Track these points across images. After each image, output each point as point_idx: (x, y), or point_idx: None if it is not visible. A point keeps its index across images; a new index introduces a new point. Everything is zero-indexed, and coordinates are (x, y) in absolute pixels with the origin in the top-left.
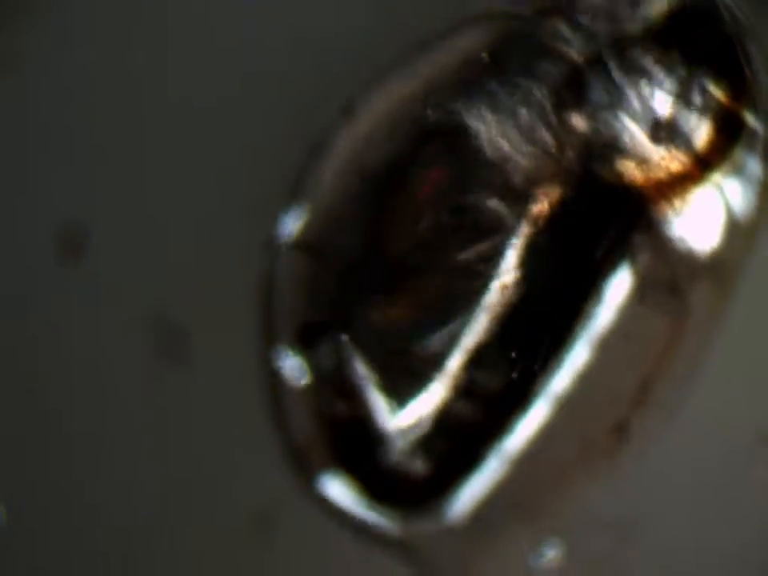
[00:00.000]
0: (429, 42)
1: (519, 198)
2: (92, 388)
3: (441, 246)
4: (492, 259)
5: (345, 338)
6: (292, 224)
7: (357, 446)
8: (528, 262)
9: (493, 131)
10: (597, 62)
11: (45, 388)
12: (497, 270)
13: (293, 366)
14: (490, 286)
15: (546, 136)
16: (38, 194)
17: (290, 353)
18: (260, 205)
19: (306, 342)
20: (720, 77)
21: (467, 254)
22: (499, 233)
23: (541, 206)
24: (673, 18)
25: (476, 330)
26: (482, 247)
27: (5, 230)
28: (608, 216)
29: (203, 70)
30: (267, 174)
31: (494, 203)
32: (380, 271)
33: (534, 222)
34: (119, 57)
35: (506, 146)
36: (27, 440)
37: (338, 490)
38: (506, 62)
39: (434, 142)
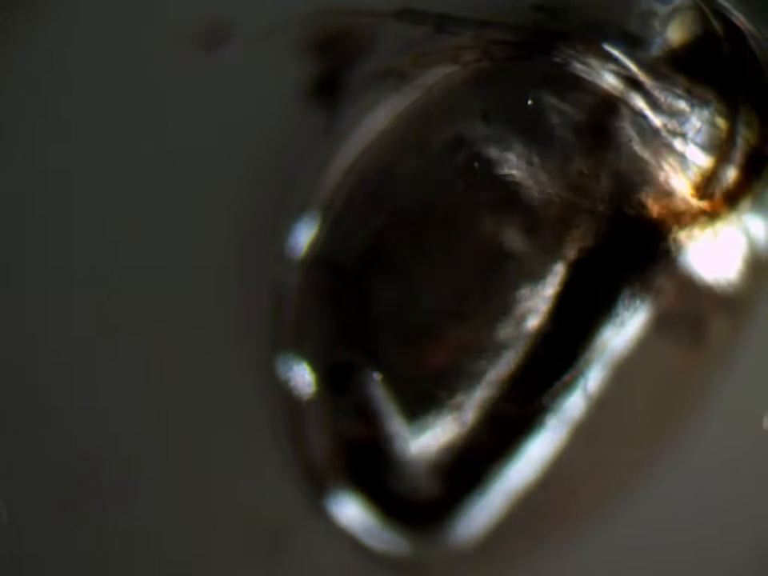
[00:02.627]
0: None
1: (552, 237)
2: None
3: (478, 290)
4: (527, 302)
5: (377, 376)
6: (305, 237)
7: (371, 468)
8: (557, 298)
9: (523, 163)
10: (626, 95)
11: None
12: (530, 312)
13: (307, 382)
14: (522, 328)
15: (577, 171)
16: None
17: (305, 369)
18: (278, 216)
19: (335, 384)
20: (750, 112)
21: (504, 299)
22: (533, 275)
23: (574, 245)
24: (702, 50)
25: (502, 363)
26: (520, 293)
27: None
28: (631, 249)
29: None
30: (284, 185)
31: (526, 242)
32: (402, 298)
33: (567, 261)
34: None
35: (537, 179)
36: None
37: (350, 510)
38: (536, 93)
39: (462, 166)
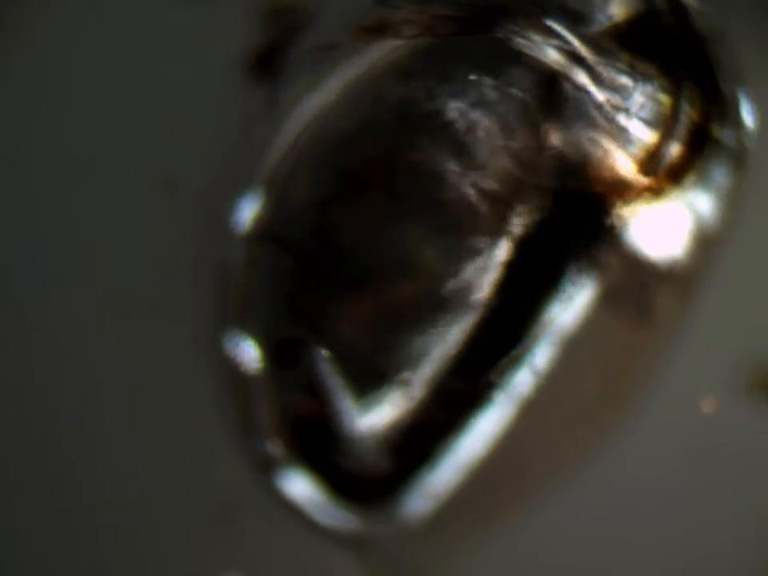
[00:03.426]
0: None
1: (497, 212)
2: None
3: (417, 251)
4: (473, 278)
5: (324, 352)
6: (250, 212)
7: (320, 444)
8: (503, 273)
9: (467, 137)
10: (569, 70)
11: None
12: (476, 287)
13: (254, 358)
14: (469, 303)
15: (520, 147)
16: None
17: (252, 345)
18: (222, 191)
19: (283, 360)
20: (693, 88)
21: (450, 272)
22: (478, 250)
23: (519, 220)
24: (645, 25)
25: (449, 339)
26: (465, 267)
27: None
28: (575, 225)
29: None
30: (227, 159)
31: (471, 218)
32: (349, 271)
33: (513, 236)
34: None
35: (486, 145)
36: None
37: (299, 486)
38: (479, 70)
39: (408, 129)
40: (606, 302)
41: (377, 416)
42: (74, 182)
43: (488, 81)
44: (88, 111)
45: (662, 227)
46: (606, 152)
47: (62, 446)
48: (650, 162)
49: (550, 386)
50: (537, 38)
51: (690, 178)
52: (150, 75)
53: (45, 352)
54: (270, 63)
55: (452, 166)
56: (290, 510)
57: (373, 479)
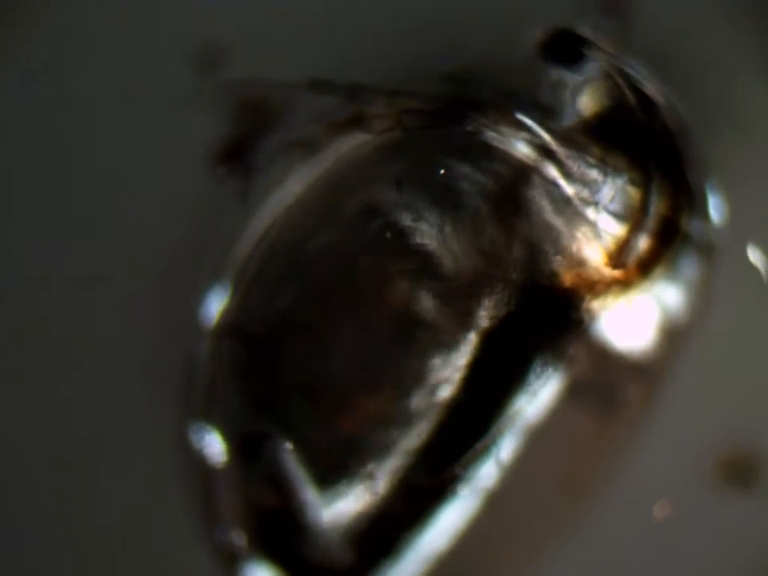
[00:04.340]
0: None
1: (465, 306)
2: None
3: (390, 359)
4: (439, 371)
5: (289, 445)
6: (217, 306)
7: (284, 536)
8: (469, 367)
9: (435, 232)
10: (539, 164)
11: None
12: (443, 381)
13: (219, 451)
14: (435, 396)
15: (489, 240)
16: None
17: (217, 438)
18: (190, 285)
19: (247, 454)
20: (662, 181)
21: (417, 367)
22: (445, 344)
23: (486, 314)
24: (614, 120)
25: (414, 432)
26: (432, 362)
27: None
28: (544, 317)
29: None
30: (196, 253)
31: (439, 311)
32: (314, 369)
33: (480, 330)
34: None
35: (449, 248)
36: None
37: None
38: (449, 162)
39: (373, 227)
40: (572, 394)
41: (341, 508)
42: (46, 275)
43: (458, 174)
44: (61, 207)
45: (630, 320)
46: (575, 245)
47: (31, 533)
48: (619, 255)
49: (515, 478)
50: (507, 131)
51: (658, 271)
52: (122, 167)
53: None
54: (240, 157)
55: (416, 264)
56: None
57: (336, 572)
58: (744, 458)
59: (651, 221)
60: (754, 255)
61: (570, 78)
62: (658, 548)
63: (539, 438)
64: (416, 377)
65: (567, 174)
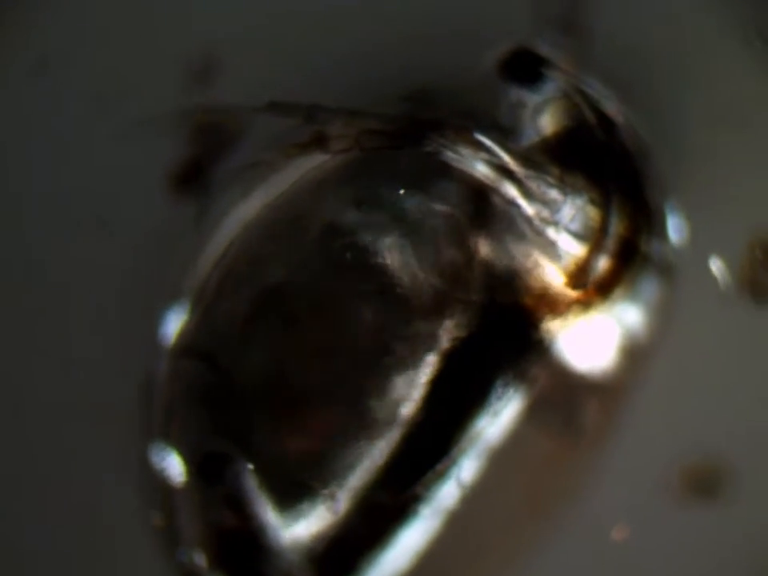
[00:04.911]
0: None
1: (425, 326)
2: None
3: (350, 379)
4: (400, 391)
5: (249, 466)
6: (176, 326)
7: (244, 557)
8: (430, 387)
9: (395, 253)
10: (498, 184)
11: None
12: (403, 401)
13: (178, 472)
14: (395, 417)
15: (449, 261)
16: None
17: (176, 459)
18: (148, 305)
19: (207, 474)
20: (622, 202)
21: (378, 387)
22: (406, 365)
23: (446, 334)
24: (574, 140)
25: (375, 452)
26: (393, 382)
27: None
28: (503, 338)
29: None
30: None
31: (400, 331)
32: (274, 389)
33: (440, 350)
34: None
35: (409, 269)
36: None
37: None
38: (408, 182)
39: (335, 255)
40: (533, 414)
41: (301, 529)
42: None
43: (416, 195)
44: (12, 224)
45: (590, 340)
46: (535, 265)
47: None
48: (579, 275)
49: (476, 499)
50: (466, 151)
51: (618, 291)
52: (76, 189)
53: None
54: (197, 178)
55: (377, 285)
56: None
57: None
58: (708, 470)
59: (611, 241)
60: (714, 274)
61: (529, 97)
62: (624, 565)
63: (500, 458)
64: (377, 397)
65: (527, 194)
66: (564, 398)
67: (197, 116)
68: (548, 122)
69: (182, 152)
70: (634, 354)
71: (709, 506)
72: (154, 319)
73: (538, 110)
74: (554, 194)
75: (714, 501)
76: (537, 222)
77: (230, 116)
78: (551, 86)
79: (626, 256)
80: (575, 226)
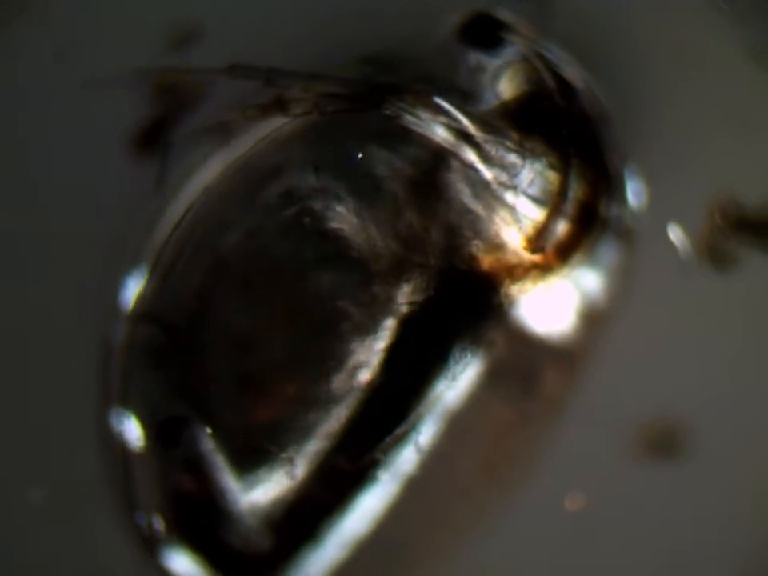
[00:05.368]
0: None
1: (383, 291)
2: None
3: (308, 344)
4: (358, 356)
5: (207, 430)
6: (134, 291)
7: (203, 522)
8: (389, 352)
9: (353, 217)
10: (457, 148)
11: None
12: (361, 366)
13: (136, 436)
14: (353, 381)
15: (407, 225)
16: None
17: (135, 423)
18: (107, 270)
19: (165, 439)
20: (581, 166)
21: (336, 352)
22: (364, 329)
23: (405, 299)
24: (533, 104)
25: (334, 417)
26: (351, 347)
27: None
28: (463, 302)
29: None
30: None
31: (357, 296)
32: (231, 353)
33: (399, 315)
34: None
35: (367, 233)
36: None
37: (182, 564)
38: (367, 146)
39: (292, 220)
40: (491, 379)
41: (260, 493)
42: None
43: (375, 158)
44: None
45: (549, 304)
46: (493, 230)
47: None
48: (538, 240)
49: (434, 463)
50: (425, 115)
51: (577, 256)
52: (36, 150)
53: None
54: (156, 140)
55: (334, 250)
56: None
57: (255, 557)
58: (666, 431)
59: (570, 205)
60: (673, 238)
61: (488, 62)
62: (585, 528)
63: (459, 424)
64: (335, 362)
65: (486, 158)
66: (522, 362)
67: (158, 76)
68: (507, 87)
69: (143, 113)
70: (593, 319)
71: (668, 462)
72: (112, 283)
73: (497, 75)
74: (512, 158)
75: (673, 457)
76: (495, 186)
77: (192, 77)
78: (510, 51)
79: (585, 221)
80: (534, 191)
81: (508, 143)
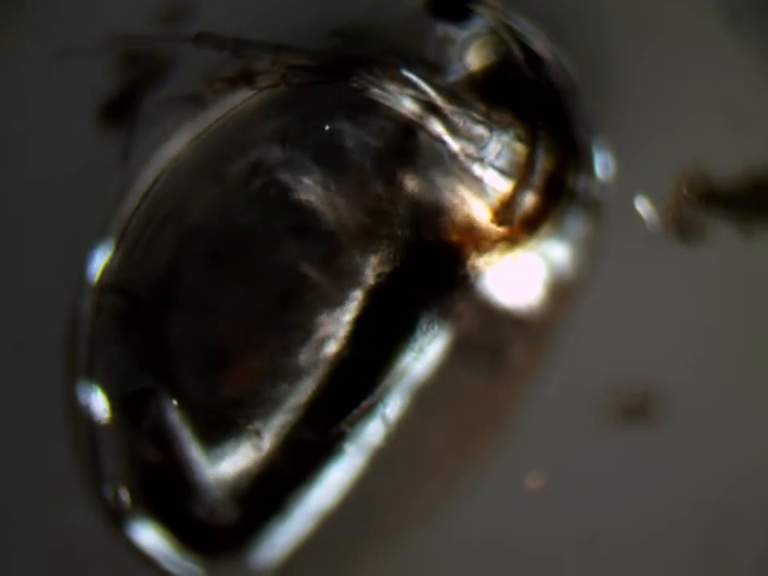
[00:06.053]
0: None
1: (350, 263)
2: None
3: (275, 316)
4: (325, 328)
5: (173, 402)
6: (101, 263)
7: (169, 494)
8: (355, 324)
9: (320, 189)
10: (424, 120)
11: None
12: (328, 338)
13: (102, 408)
14: (320, 354)
15: (374, 197)
16: None
17: (100, 395)
18: (73, 241)
19: (131, 411)
20: (548, 138)
21: (302, 324)
22: (331, 301)
23: (372, 271)
24: (500, 76)
25: (300, 389)
26: (318, 319)
27: None
28: (430, 274)
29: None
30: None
31: (324, 267)
32: (197, 325)
33: (365, 287)
34: None
35: (334, 205)
36: None
37: (149, 536)
38: (334, 118)
39: (259, 192)
40: (459, 351)
41: (226, 466)
42: None
43: (343, 130)
44: None
45: (516, 276)
46: (460, 201)
47: None
48: (505, 212)
49: (401, 436)
50: (393, 87)
51: (544, 228)
52: (1, 121)
53: None
54: (124, 111)
55: (301, 222)
56: (139, 559)
57: (221, 529)
58: (634, 400)
59: (537, 177)
60: (640, 210)
61: (455, 33)
62: (557, 498)
63: (426, 396)
64: (301, 333)
65: (453, 130)
66: (490, 334)
67: (126, 43)
68: (475, 59)
69: (110, 84)
70: (560, 291)
71: (640, 428)
72: (78, 254)
73: (464, 46)
74: (480, 130)
75: (645, 422)
76: (462, 158)
77: (158, 47)
78: (478, 22)
79: (553, 193)
80: (501, 163)
81: (475, 115)
